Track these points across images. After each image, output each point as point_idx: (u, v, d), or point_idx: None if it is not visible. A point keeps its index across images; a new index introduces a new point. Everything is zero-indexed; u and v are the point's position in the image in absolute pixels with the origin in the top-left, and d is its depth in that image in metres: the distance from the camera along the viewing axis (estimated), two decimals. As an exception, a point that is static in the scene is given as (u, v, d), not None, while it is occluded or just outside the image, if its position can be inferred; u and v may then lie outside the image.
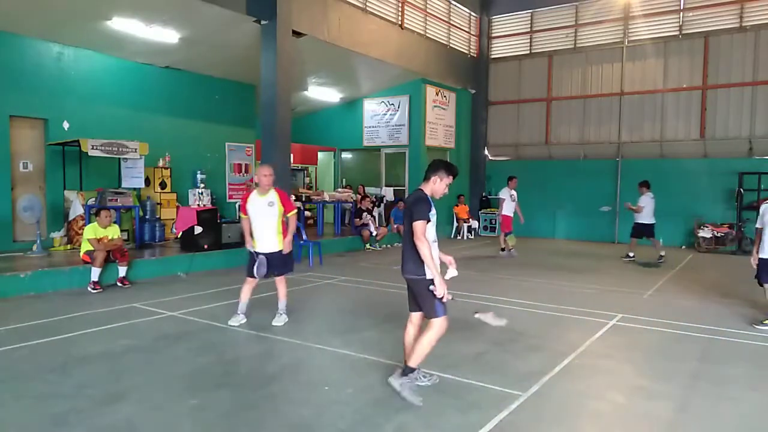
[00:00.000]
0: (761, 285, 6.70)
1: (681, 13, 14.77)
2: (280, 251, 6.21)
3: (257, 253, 6.12)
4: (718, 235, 13.67)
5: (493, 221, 17.39)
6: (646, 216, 11.60)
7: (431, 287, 4.05)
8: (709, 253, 13.51)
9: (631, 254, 11.82)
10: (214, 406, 4.03)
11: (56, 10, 9.30)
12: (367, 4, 12.95)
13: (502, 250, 12.31)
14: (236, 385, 4.43)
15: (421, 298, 4.19)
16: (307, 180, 16.84)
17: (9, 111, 9.73)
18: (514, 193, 12.31)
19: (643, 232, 11.68)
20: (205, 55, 11.76)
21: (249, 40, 10.82)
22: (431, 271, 4.03)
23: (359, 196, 14.38)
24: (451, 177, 4.26)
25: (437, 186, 4.24)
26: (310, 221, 15.08)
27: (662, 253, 11.57)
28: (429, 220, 4.07)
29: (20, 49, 9.87)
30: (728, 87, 14.27)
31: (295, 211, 6.49)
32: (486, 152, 17.99)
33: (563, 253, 13.17)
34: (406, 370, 4.15)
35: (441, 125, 16.59)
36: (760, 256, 6.63)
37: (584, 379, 4.80)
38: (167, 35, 10.49)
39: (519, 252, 12.30)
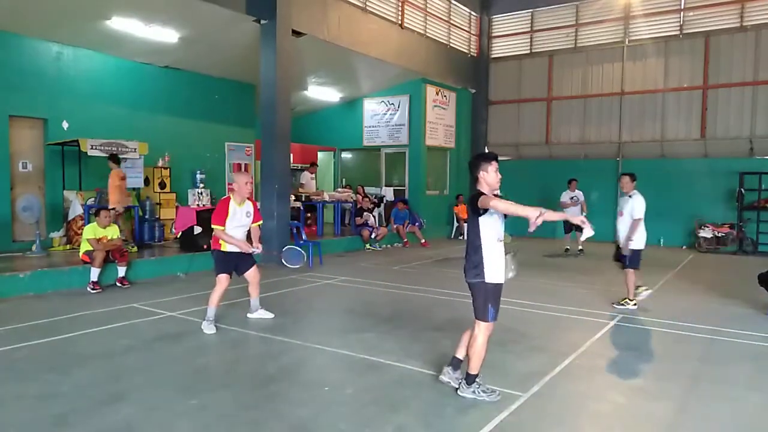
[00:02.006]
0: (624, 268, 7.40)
1: (681, 13, 14.77)
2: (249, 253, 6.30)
3: (230, 254, 6.20)
4: (719, 235, 13.66)
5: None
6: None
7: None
8: (710, 253, 13.50)
9: (567, 248, 12.79)
10: (214, 406, 4.02)
11: (55, 10, 9.29)
12: (367, 3, 12.94)
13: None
14: (236, 385, 4.42)
15: (474, 300, 4.16)
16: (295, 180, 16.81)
17: (8, 111, 9.72)
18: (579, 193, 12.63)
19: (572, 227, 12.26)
20: (205, 54, 11.75)
21: (248, 39, 10.81)
22: (522, 211, 3.79)
23: (359, 196, 14.37)
24: (492, 161, 4.15)
25: (489, 178, 4.10)
26: (310, 221, 15.06)
27: (580, 247, 12.42)
28: (487, 210, 3.97)
29: (19, 48, 9.86)
30: (729, 87, 14.27)
31: (261, 221, 6.70)
32: (486, 152, 17.97)
33: (563, 252, 13.15)
34: (469, 379, 4.16)
35: (441, 125, 16.59)
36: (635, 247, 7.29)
37: (585, 379, 4.79)
38: (167, 35, 10.48)
39: (519, 252, 12.25)
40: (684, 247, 14.52)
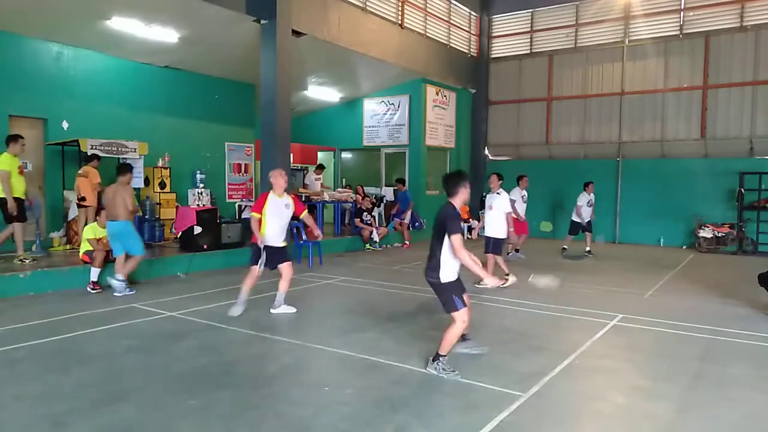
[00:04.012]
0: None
1: (681, 13, 14.76)
2: (284, 247, 6.83)
3: (266, 247, 6.58)
4: (719, 235, 13.65)
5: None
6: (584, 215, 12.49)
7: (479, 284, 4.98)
8: (710, 253, 13.49)
9: (566, 246, 12.77)
10: (214, 406, 4.02)
11: (55, 10, 9.28)
12: (367, 3, 12.94)
13: (517, 251, 11.88)
14: (236, 385, 4.42)
15: (439, 297, 4.83)
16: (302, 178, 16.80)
17: (8, 111, 9.71)
18: (525, 193, 11.69)
19: (579, 229, 12.62)
20: (205, 54, 11.75)
21: (249, 39, 10.81)
22: (478, 272, 4.62)
23: (359, 196, 14.36)
24: (467, 181, 4.93)
25: (467, 195, 4.88)
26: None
27: (588, 249, 12.54)
28: (462, 233, 4.65)
29: (19, 48, 9.86)
30: (729, 87, 14.26)
31: (306, 210, 7.15)
32: (486, 152, 17.98)
33: (576, 253, 13.14)
34: (436, 357, 4.71)
35: (441, 125, 16.58)
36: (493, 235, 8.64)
37: (585, 379, 4.79)
38: (167, 35, 10.48)
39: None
40: (684, 247, 14.52)
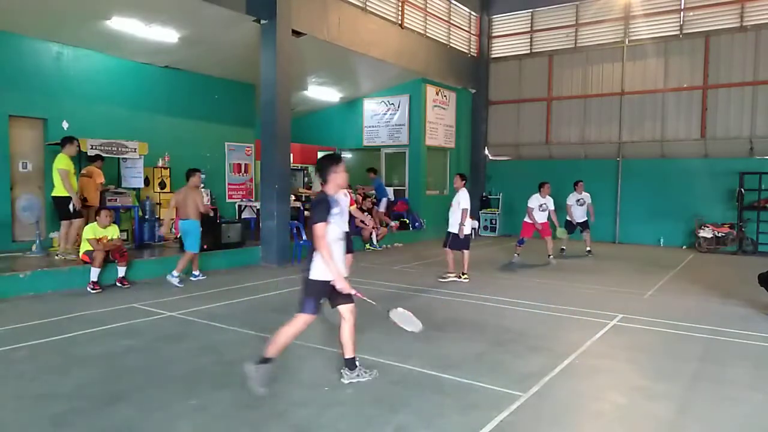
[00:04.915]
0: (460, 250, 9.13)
1: (681, 13, 14.76)
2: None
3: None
4: (719, 235, 13.65)
5: (494, 221, 17.40)
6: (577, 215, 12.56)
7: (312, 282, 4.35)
8: (710, 253, 13.49)
9: (564, 247, 12.71)
10: (214, 406, 4.02)
11: (55, 10, 9.29)
12: (367, 3, 12.94)
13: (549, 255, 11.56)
14: (236, 385, 4.41)
15: (300, 291, 4.43)
16: (306, 180, 16.80)
17: (8, 111, 9.72)
18: (545, 201, 11.57)
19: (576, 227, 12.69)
20: (205, 54, 11.75)
21: (249, 39, 10.80)
22: (331, 271, 4.23)
23: (360, 196, 14.35)
24: (339, 163, 4.41)
25: (339, 179, 4.37)
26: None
27: (588, 248, 12.50)
28: (328, 222, 4.22)
29: (19, 48, 9.86)
30: (729, 87, 14.26)
31: (353, 205, 7.94)
32: (486, 152, 17.98)
33: (574, 253, 13.14)
34: (261, 360, 4.23)
35: (441, 125, 16.59)
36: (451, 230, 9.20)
37: (585, 379, 4.79)
38: (167, 35, 10.48)
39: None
40: (684, 247, 14.52)
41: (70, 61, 10.56)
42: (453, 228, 9.21)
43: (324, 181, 4.39)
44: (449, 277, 9.24)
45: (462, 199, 9.04)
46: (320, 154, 17.04)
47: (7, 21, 9.33)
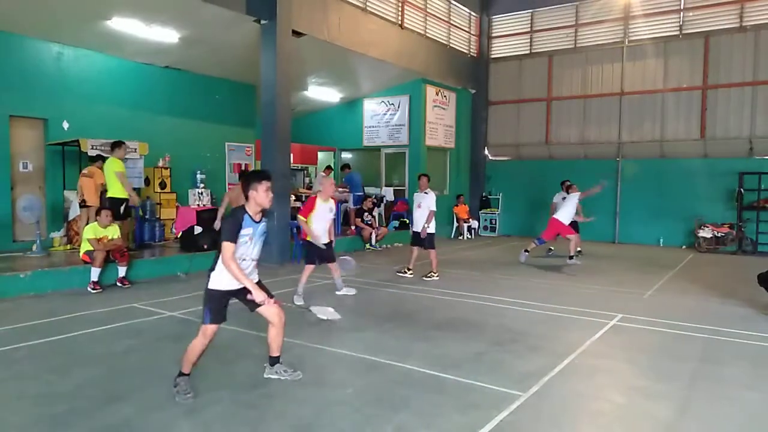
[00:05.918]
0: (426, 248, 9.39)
1: (681, 13, 14.77)
2: (330, 242, 7.72)
3: (324, 245, 7.49)
4: (719, 235, 13.66)
5: (493, 221, 17.40)
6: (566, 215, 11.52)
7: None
8: (710, 253, 13.50)
9: (579, 248, 11.62)
10: (213, 405, 4.02)
11: (56, 10, 9.30)
12: (367, 3, 12.95)
13: (571, 257, 11.19)
14: (236, 385, 4.42)
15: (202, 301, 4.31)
16: (306, 180, 16.82)
17: (9, 111, 9.73)
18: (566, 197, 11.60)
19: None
20: (205, 55, 11.76)
21: (249, 40, 10.81)
22: (244, 283, 4.09)
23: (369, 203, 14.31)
24: (262, 181, 4.16)
25: (259, 198, 4.15)
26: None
27: (579, 249, 11.56)
28: (235, 242, 4.06)
29: (20, 48, 9.87)
30: (728, 87, 14.27)
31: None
32: (486, 152, 17.99)
33: (563, 253, 13.14)
34: (178, 374, 4.22)
35: (441, 125, 16.59)
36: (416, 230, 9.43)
37: (584, 379, 4.80)
38: (167, 35, 10.49)
39: (518, 252, 12.23)
40: (684, 247, 14.52)
41: (70, 62, 10.57)
42: (417, 227, 9.41)
43: (246, 198, 4.19)
44: (408, 273, 9.59)
45: (431, 202, 9.27)
46: (320, 155, 17.15)
47: (7, 21, 9.34)
